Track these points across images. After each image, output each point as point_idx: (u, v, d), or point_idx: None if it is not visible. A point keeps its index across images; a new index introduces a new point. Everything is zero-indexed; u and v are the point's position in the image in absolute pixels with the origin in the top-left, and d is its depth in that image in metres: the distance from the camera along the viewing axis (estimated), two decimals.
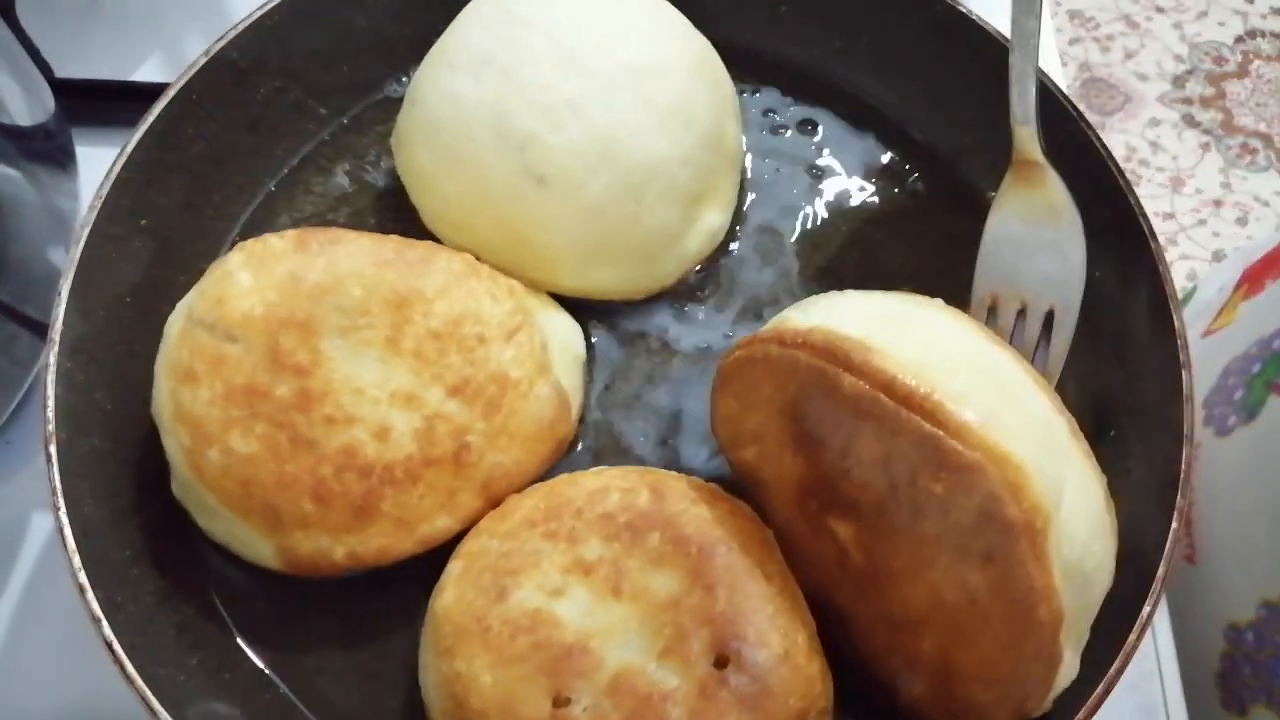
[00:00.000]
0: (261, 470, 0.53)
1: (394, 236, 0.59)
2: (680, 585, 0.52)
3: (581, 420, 0.63)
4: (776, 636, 0.51)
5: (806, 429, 0.52)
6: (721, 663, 0.50)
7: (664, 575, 0.52)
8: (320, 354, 0.55)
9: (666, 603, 0.51)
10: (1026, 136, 0.61)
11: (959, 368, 0.49)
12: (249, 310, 0.54)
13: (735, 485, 0.58)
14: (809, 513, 0.54)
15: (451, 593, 0.53)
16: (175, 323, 0.56)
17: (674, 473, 0.58)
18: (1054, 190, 0.61)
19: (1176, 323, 0.59)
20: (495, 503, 0.57)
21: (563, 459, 0.61)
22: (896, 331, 0.51)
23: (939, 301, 0.55)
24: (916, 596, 0.51)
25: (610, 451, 0.63)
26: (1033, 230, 0.62)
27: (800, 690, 0.50)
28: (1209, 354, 0.81)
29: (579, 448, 0.63)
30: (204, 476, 0.54)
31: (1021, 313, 0.62)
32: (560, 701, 0.50)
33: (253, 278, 0.55)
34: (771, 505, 0.56)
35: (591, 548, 0.53)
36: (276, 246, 0.56)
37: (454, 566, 0.55)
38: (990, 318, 0.63)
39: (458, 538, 0.56)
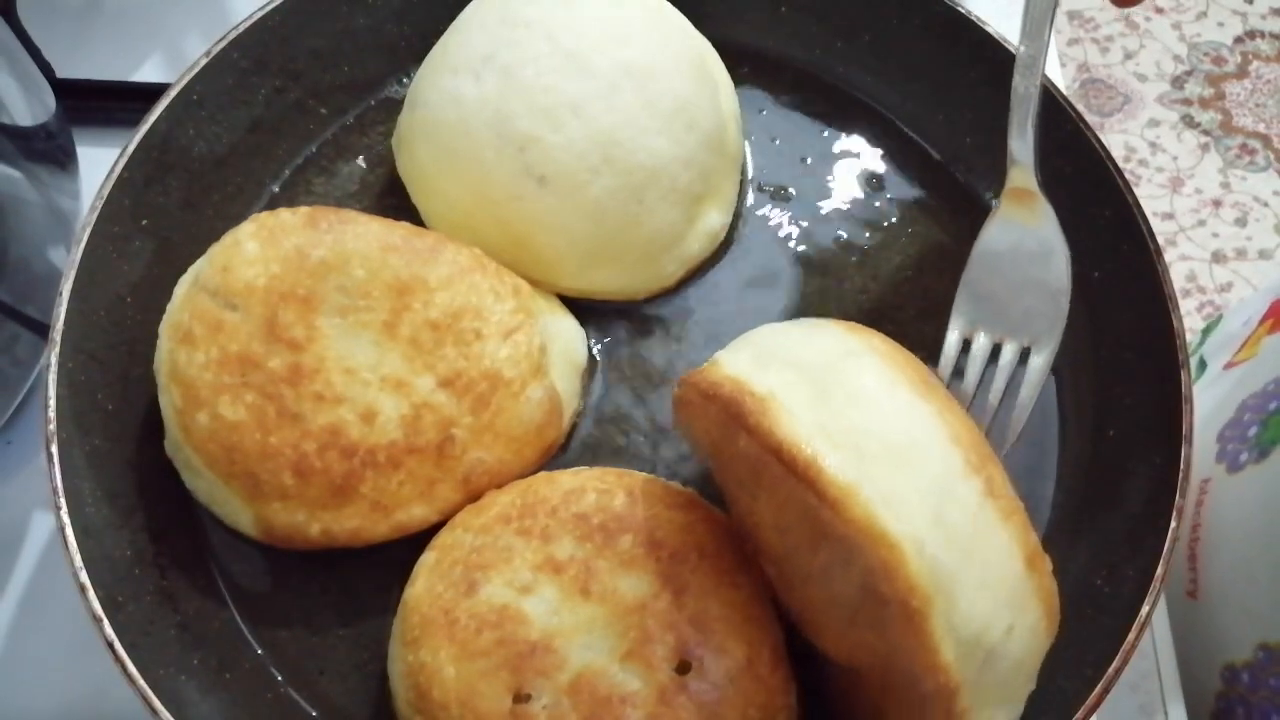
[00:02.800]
0: (246, 438, 0.54)
1: (405, 223, 0.59)
2: (649, 589, 0.52)
3: (576, 423, 0.63)
4: (740, 646, 0.51)
5: (730, 473, 0.52)
6: (684, 669, 0.50)
7: (633, 578, 0.52)
8: (316, 330, 0.55)
9: (634, 606, 0.52)
10: (1022, 175, 0.60)
11: (860, 431, 0.46)
12: (252, 280, 0.55)
13: (713, 492, 0.58)
14: (746, 549, 0.54)
15: (422, 583, 0.54)
16: (183, 285, 0.57)
17: (652, 476, 0.58)
18: (1047, 224, 0.59)
19: (1176, 323, 0.60)
20: (474, 498, 0.57)
21: (556, 457, 0.62)
22: (810, 387, 0.48)
23: (877, 342, 0.51)
24: (838, 649, 0.51)
25: (604, 451, 0.63)
26: (1020, 265, 0.60)
27: (761, 701, 0.50)
28: (1229, 388, 0.80)
29: (572, 447, 0.63)
30: (191, 437, 0.55)
31: (996, 349, 0.60)
32: (520, 698, 0.50)
33: (260, 248, 0.56)
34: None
35: (563, 547, 0.53)
36: (288, 221, 0.57)
37: (427, 557, 0.55)
38: (963, 352, 0.61)
39: (437, 529, 0.57)
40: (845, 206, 0.70)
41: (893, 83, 0.72)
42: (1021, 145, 0.59)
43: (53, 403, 0.55)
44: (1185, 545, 0.74)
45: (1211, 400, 0.80)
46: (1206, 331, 0.93)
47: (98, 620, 0.51)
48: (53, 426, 0.54)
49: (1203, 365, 0.88)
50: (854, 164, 0.71)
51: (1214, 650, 0.71)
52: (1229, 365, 0.83)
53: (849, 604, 0.47)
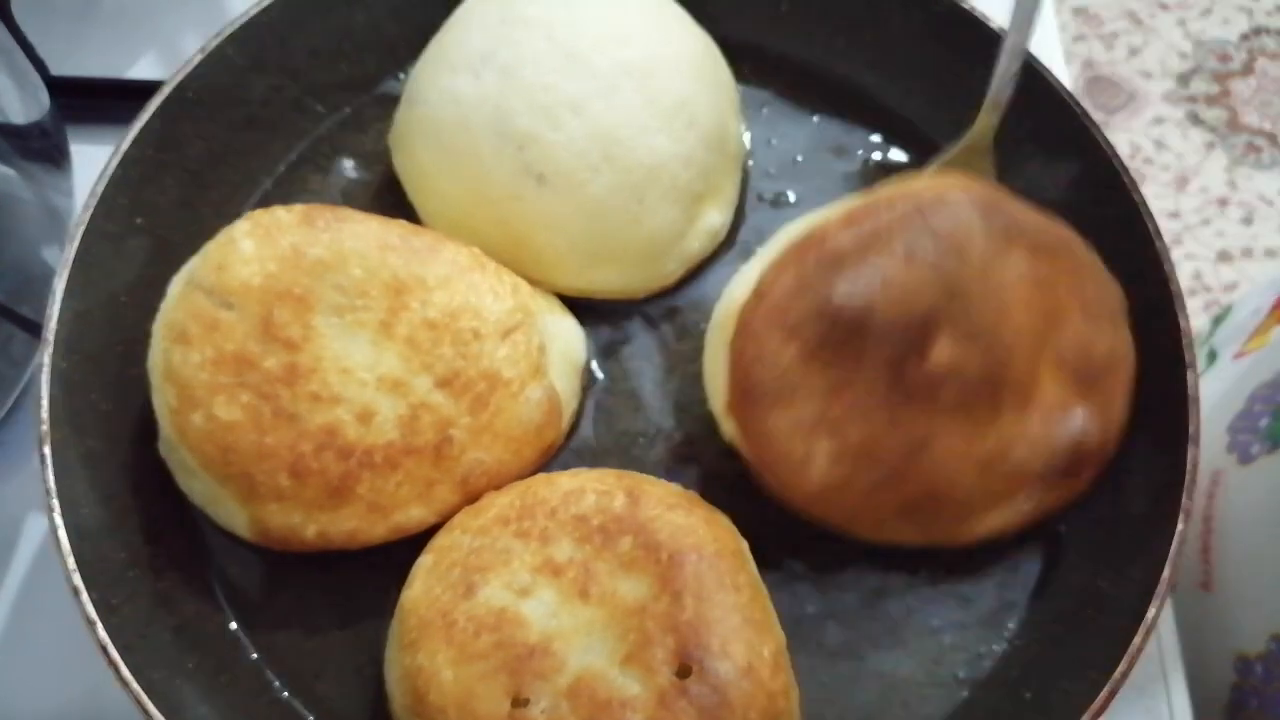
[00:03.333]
0: (242, 439, 0.54)
1: (402, 221, 0.58)
2: (648, 591, 0.51)
3: (575, 423, 0.63)
4: (741, 649, 0.50)
5: (851, 320, 0.53)
6: (684, 672, 0.50)
7: (633, 580, 0.52)
8: (313, 330, 0.55)
9: (633, 608, 0.51)
10: (992, 124, 0.62)
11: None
12: (248, 279, 0.55)
13: (715, 494, 0.58)
14: (908, 383, 0.54)
15: (419, 586, 0.53)
16: (177, 283, 0.57)
17: (652, 477, 0.57)
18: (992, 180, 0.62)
19: (1182, 322, 0.59)
20: (472, 499, 0.57)
21: (555, 458, 0.61)
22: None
23: None
24: (1045, 334, 0.55)
25: (604, 452, 0.63)
26: None
27: (761, 705, 0.50)
28: (1239, 378, 0.80)
29: (571, 447, 0.63)
30: (186, 438, 0.54)
31: None
32: (519, 702, 0.49)
33: (256, 247, 0.55)
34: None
35: (562, 549, 0.53)
36: (284, 219, 0.56)
37: (425, 560, 0.55)
38: None
39: (434, 530, 0.56)
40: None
41: (895, 80, 0.72)
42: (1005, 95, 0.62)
43: (45, 403, 0.54)
44: (1198, 538, 0.74)
45: (1221, 391, 0.80)
46: (1217, 322, 0.94)
47: (92, 623, 0.51)
48: (45, 427, 0.54)
49: (1213, 356, 0.88)
50: (856, 162, 0.71)
51: (1227, 642, 0.71)
52: (1238, 355, 0.83)
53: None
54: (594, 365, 0.65)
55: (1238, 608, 0.71)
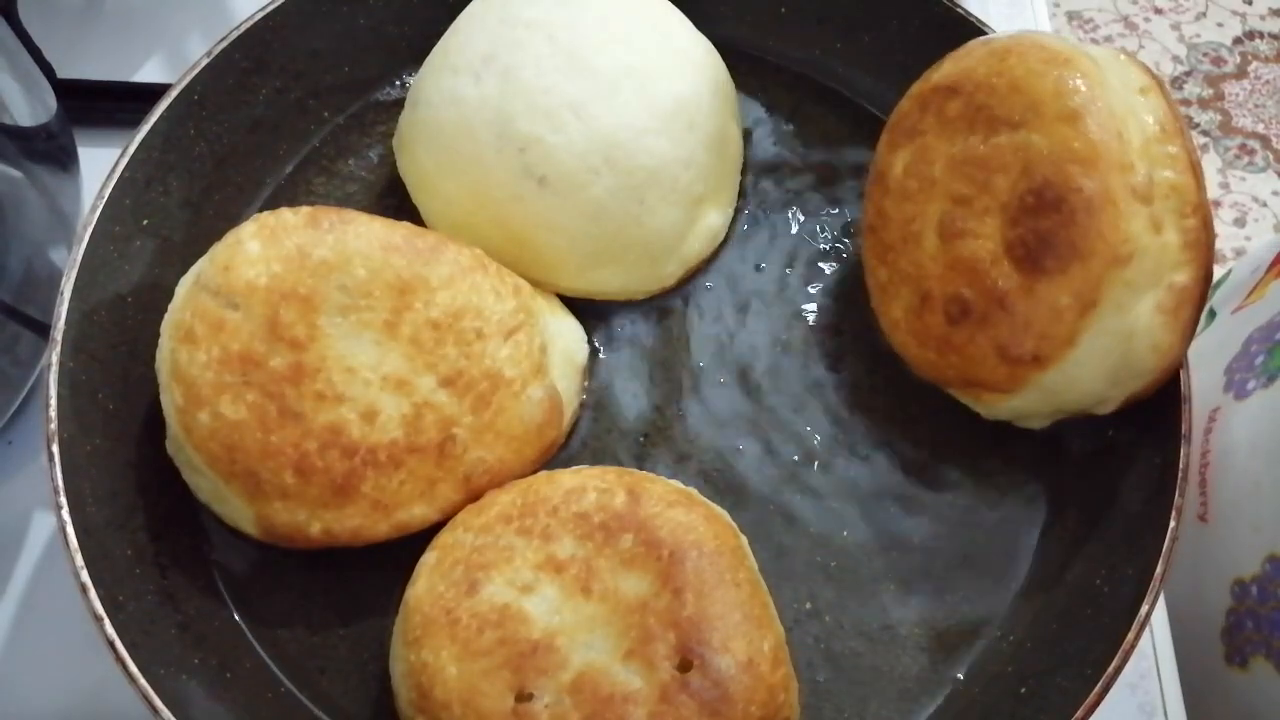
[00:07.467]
0: (247, 437, 0.54)
1: (406, 223, 0.59)
2: (649, 588, 0.52)
3: (576, 422, 0.63)
4: (741, 643, 0.51)
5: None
6: (685, 667, 0.50)
7: (634, 577, 0.52)
8: (318, 330, 0.55)
9: (634, 604, 0.52)
10: None
11: None
12: (253, 279, 0.55)
13: (714, 492, 0.58)
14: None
15: (423, 583, 0.54)
16: (184, 284, 0.57)
17: (652, 475, 0.58)
18: None
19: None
20: (475, 497, 0.57)
21: (556, 456, 0.62)
22: None
23: None
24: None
25: (603, 451, 0.63)
26: None
27: (761, 698, 0.50)
28: (1236, 327, 0.83)
29: (572, 446, 0.63)
30: (192, 437, 0.55)
31: None
32: (523, 697, 0.50)
33: (261, 248, 0.56)
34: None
35: (564, 546, 0.53)
36: (289, 220, 0.57)
37: (428, 558, 0.55)
38: None
39: (437, 528, 0.57)
40: (845, 205, 0.70)
41: (893, 83, 0.72)
42: None
43: (54, 402, 0.55)
44: (1196, 471, 0.77)
45: (1217, 341, 0.84)
46: (1216, 286, 0.96)
47: (99, 619, 0.51)
48: (54, 426, 0.54)
49: (1211, 315, 0.91)
50: (853, 164, 0.71)
51: (1224, 568, 0.73)
52: (1236, 309, 0.86)
53: None
54: (594, 365, 0.65)
55: (1234, 535, 0.73)
